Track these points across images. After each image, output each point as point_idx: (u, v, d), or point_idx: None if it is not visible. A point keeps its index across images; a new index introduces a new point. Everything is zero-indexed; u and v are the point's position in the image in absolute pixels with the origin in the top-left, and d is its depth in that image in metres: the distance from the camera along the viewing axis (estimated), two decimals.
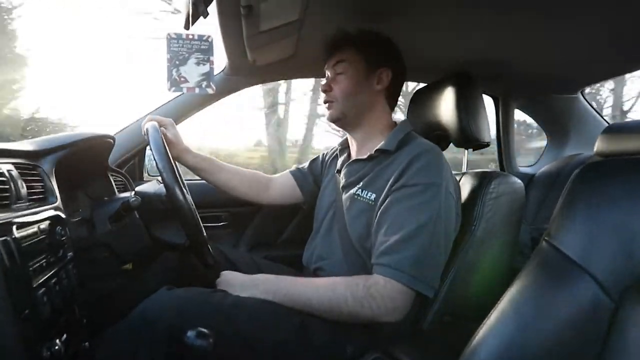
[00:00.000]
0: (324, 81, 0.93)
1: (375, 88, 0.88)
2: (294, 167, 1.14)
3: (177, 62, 0.77)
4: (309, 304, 0.73)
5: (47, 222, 0.66)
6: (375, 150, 0.85)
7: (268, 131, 5.48)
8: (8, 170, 0.61)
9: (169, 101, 1.26)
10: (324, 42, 0.92)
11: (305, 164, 1.13)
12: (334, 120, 0.91)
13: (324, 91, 0.90)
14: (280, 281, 0.77)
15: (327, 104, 0.90)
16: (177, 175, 0.74)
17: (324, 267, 0.88)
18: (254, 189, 1.07)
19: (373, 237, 0.78)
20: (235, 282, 0.78)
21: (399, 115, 3.51)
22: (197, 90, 0.78)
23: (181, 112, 1.27)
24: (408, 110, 1.11)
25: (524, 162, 1.86)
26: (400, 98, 0.96)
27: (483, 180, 0.87)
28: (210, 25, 0.78)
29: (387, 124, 0.92)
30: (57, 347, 0.59)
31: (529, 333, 0.44)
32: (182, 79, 0.77)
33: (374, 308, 0.69)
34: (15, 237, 0.55)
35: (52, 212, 0.68)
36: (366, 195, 0.82)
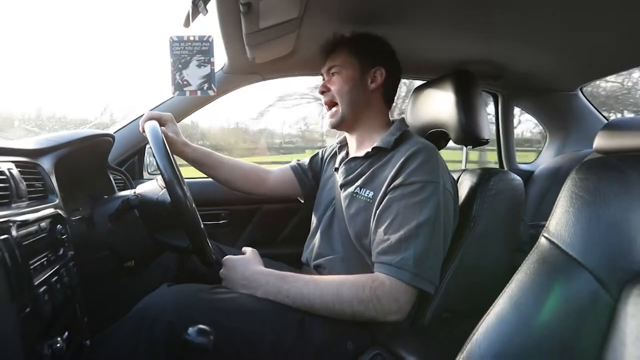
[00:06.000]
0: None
1: (370, 87, 0.90)
2: (294, 162, 1.14)
3: (179, 66, 0.78)
4: (311, 306, 0.73)
5: (48, 220, 0.66)
6: (373, 148, 0.85)
7: None
8: (8, 169, 0.61)
9: (168, 99, 1.26)
10: (320, 45, 0.94)
11: (306, 159, 1.13)
12: (336, 126, 0.93)
13: (322, 92, 0.93)
14: (282, 284, 0.75)
15: (326, 107, 0.93)
16: (178, 174, 0.74)
17: (323, 264, 0.88)
18: (253, 182, 1.08)
19: (372, 235, 0.78)
20: (235, 280, 0.77)
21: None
22: (199, 92, 0.79)
23: (181, 110, 1.27)
24: (407, 107, 1.11)
25: None
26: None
27: (482, 178, 0.87)
28: (209, 23, 0.78)
29: (384, 122, 0.92)
30: (58, 345, 0.59)
31: (528, 329, 0.44)
32: (185, 82, 0.78)
33: (378, 309, 0.70)
34: (15, 236, 0.55)
35: (52, 211, 0.68)
36: (364, 193, 0.82)
